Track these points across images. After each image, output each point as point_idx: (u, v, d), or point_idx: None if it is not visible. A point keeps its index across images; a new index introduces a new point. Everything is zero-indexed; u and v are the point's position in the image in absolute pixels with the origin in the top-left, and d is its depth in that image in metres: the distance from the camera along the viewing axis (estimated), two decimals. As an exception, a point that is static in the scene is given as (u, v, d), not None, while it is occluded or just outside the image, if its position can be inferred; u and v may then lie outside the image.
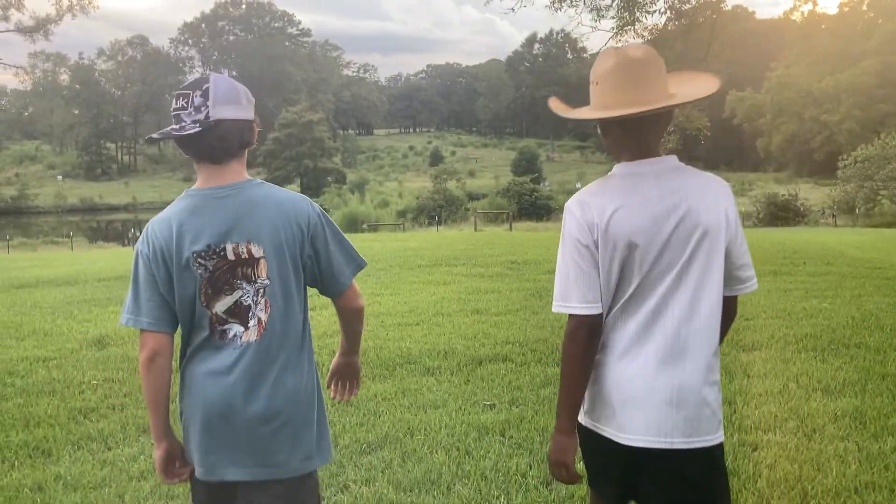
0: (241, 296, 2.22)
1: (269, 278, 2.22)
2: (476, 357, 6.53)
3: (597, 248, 2.07)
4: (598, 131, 2.22)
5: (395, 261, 13.99)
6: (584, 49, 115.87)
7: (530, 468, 4.08)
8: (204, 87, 2.18)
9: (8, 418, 5.15)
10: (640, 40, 17.23)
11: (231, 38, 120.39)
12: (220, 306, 2.22)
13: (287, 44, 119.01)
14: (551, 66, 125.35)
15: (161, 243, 2.21)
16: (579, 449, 2.23)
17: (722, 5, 15.75)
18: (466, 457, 4.27)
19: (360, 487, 3.89)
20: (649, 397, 2.07)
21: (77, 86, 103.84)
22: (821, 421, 4.71)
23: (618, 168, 2.19)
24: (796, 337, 6.98)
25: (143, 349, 2.22)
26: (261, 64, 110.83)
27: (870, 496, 3.69)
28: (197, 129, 2.14)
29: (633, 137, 2.14)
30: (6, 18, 66.74)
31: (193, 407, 2.25)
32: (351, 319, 2.46)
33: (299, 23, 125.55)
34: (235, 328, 2.23)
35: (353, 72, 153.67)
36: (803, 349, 6.56)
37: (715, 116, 37.89)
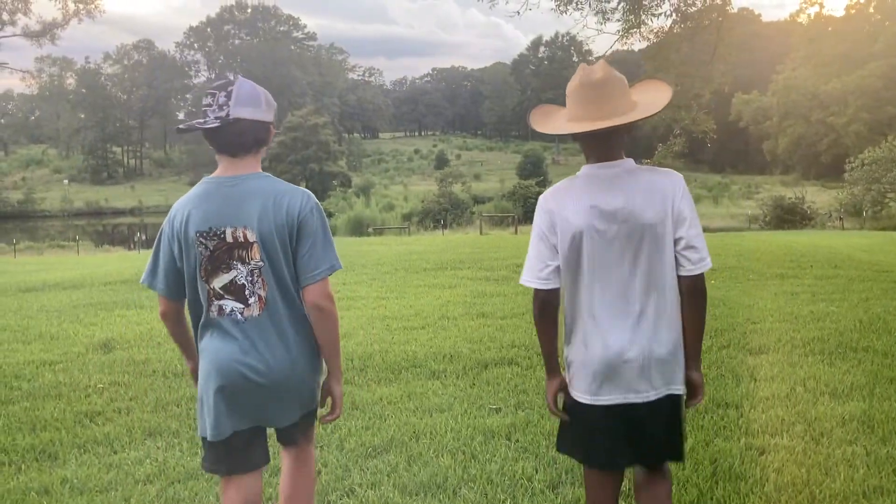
0: (236, 275, 2.52)
1: (262, 260, 2.50)
2: (482, 361, 6.52)
3: (559, 234, 2.53)
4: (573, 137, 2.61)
5: (400, 264, 13.99)
6: (589, 52, 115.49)
7: (536, 472, 4.07)
8: (228, 88, 2.54)
9: (14, 422, 5.15)
10: (645, 43, 17.22)
11: (236, 41, 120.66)
12: (217, 283, 2.53)
13: (292, 47, 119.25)
14: (556, 69, 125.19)
15: (176, 222, 2.56)
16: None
17: (728, 8, 15.69)
18: (472, 460, 4.26)
19: (366, 491, 3.88)
20: (604, 360, 2.55)
21: (83, 90, 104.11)
22: (828, 425, 4.69)
23: (584, 169, 2.60)
24: (803, 340, 6.95)
25: (159, 307, 2.68)
26: (266, 68, 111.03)
27: (878, 500, 3.67)
28: (217, 125, 2.49)
29: (596, 145, 2.55)
30: (13, 23, 67.11)
31: (205, 375, 2.57)
32: (315, 319, 2.58)
33: (304, 26, 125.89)
34: (231, 304, 2.53)
35: (359, 75, 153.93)
36: (810, 353, 6.53)
37: (721, 119, 37.72)
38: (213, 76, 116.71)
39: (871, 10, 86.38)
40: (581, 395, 2.60)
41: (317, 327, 2.60)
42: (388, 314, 8.92)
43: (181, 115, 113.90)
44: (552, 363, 2.67)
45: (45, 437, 4.82)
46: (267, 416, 2.63)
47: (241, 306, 2.52)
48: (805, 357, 6.39)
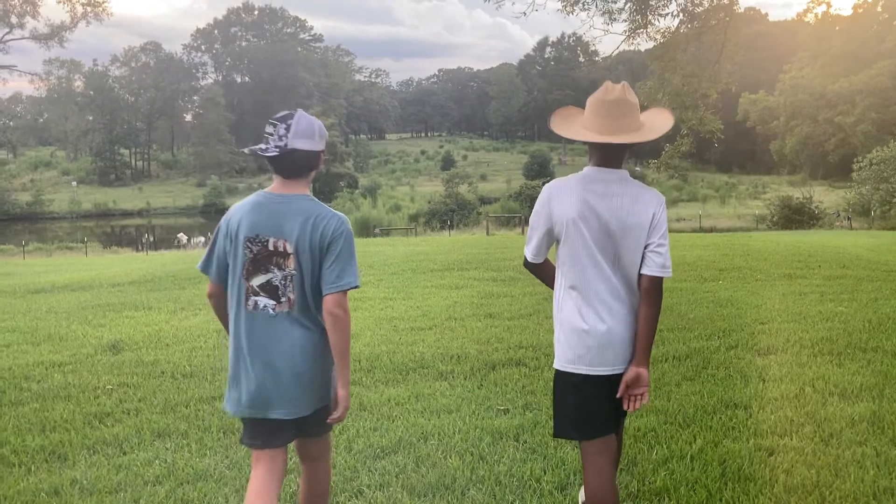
0: (272, 278, 2.92)
1: (295, 269, 2.89)
2: (489, 361, 6.52)
3: (554, 222, 2.97)
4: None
5: (407, 265, 14.00)
6: (595, 52, 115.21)
7: (545, 473, 4.07)
8: (288, 121, 2.93)
9: (24, 423, 5.18)
10: (652, 43, 17.18)
11: (244, 43, 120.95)
12: (255, 281, 2.93)
13: (299, 49, 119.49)
14: (563, 69, 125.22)
15: (232, 224, 2.98)
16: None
17: (735, 8, 15.66)
18: (480, 462, 4.26)
19: (374, 492, 3.89)
20: (603, 337, 2.95)
21: (91, 92, 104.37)
22: (838, 426, 4.67)
23: (586, 169, 3.02)
24: (812, 341, 6.93)
25: (208, 289, 3.09)
26: (273, 69, 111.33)
27: (889, 502, 3.66)
28: (276, 153, 2.89)
29: (601, 152, 2.97)
30: (21, 26, 67.44)
31: (235, 361, 2.97)
32: (329, 325, 2.89)
33: (311, 28, 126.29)
34: (265, 301, 2.92)
35: (365, 77, 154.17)
36: (819, 353, 6.51)
37: (728, 119, 37.59)
38: (220, 78, 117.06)
39: (879, 8, 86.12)
40: (571, 367, 2.97)
41: (330, 332, 2.90)
42: (396, 315, 8.93)
43: (188, 117, 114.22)
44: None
45: (55, 439, 4.84)
46: (288, 403, 2.94)
47: (274, 303, 2.91)
48: (814, 357, 6.37)
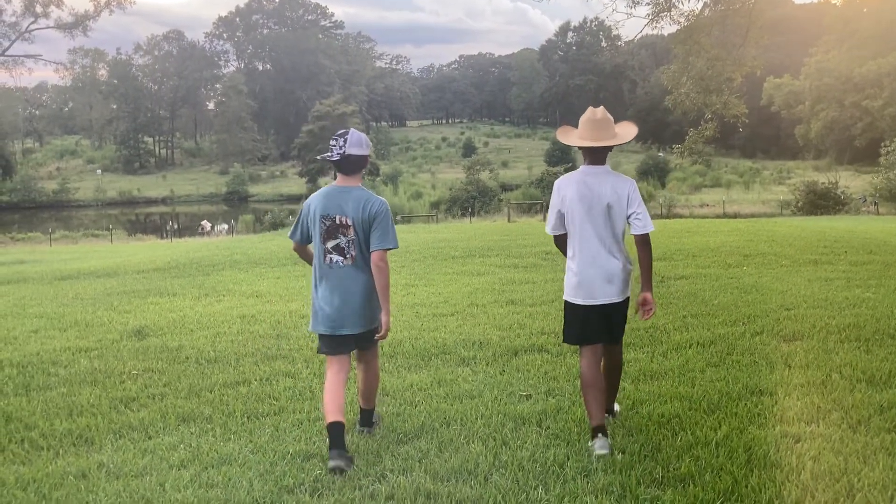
0: (340, 241, 4.31)
1: (354, 235, 4.29)
2: (511, 347, 6.51)
3: (562, 204, 4.39)
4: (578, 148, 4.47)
5: (428, 252, 14.00)
6: (618, 37, 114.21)
7: (568, 459, 4.05)
8: (345, 136, 4.32)
9: (52, 407, 5.25)
10: (675, 27, 16.98)
11: (265, 31, 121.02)
12: (330, 244, 4.32)
13: (320, 36, 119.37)
14: (585, 54, 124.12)
15: (310, 207, 4.41)
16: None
17: (760, -10, 15.43)
18: (503, 447, 4.26)
19: (398, 477, 3.89)
20: (589, 279, 4.32)
21: (115, 81, 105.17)
22: (866, 412, 4.61)
23: (581, 167, 4.45)
24: (839, 327, 6.84)
25: (293, 247, 4.60)
26: (294, 57, 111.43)
27: (918, 489, 3.60)
28: (338, 158, 4.31)
29: (591, 155, 4.40)
30: (46, 15, 68.10)
31: (321, 296, 4.34)
32: (375, 272, 4.29)
33: (332, 15, 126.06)
34: (337, 258, 4.31)
35: (386, 63, 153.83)
36: (846, 339, 6.43)
37: (752, 103, 37.09)
38: (242, 66, 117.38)
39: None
40: (576, 299, 4.36)
41: (375, 277, 4.29)
42: (417, 301, 8.94)
43: (211, 105, 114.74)
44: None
45: (82, 423, 4.90)
46: (354, 321, 4.32)
47: (342, 259, 4.31)
48: (841, 344, 6.29)
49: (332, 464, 3.98)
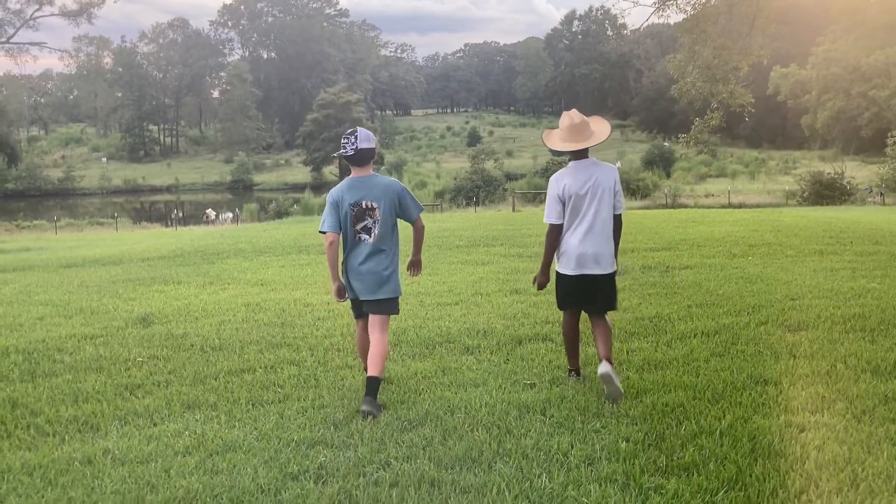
0: (367, 223, 5.05)
1: (380, 217, 5.05)
2: (515, 336, 6.52)
3: (562, 194, 5.03)
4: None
5: (433, 241, 14.00)
6: (624, 25, 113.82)
7: (572, 447, 4.06)
8: (355, 134, 5.05)
9: (58, 394, 5.27)
10: (682, 15, 16.88)
11: (270, 19, 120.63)
12: (359, 226, 5.06)
13: (325, 24, 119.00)
14: (591, 43, 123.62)
15: (336, 196, 5.09)
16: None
17: (767, -22, 15.33)
18: (507, 435, 4.27)
19: (402, 464, 3.91)
20: (582, 254, 5.03)
21: (120, 69, 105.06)
22: (870, 403, 4.61)
23: (570, 163, 5.14)
24: (844, 317, 6.83)
25: (326, 240, 5.06)
26: (299, 45, 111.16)
27: (922, 479, 3.59)
28: (351, 153, 5.03)
29: (576, 153, 5.10)
30: (51, 3, 68.02)
31: (349, 268, 5.13)
32: (416, 231, 5.30)
33: (337, 3, 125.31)
34: (364, 237, 5.06)
35: (391, 52, 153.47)
36: (851, 329, 6.42)
37: (759, 93, 36.83)
38: (246, 54, 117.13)
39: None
40: (565, 270, 5.11)
41: (417, 233, 5.30)
42: (422, 290, 8.94)
43: (215, 93, 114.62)
44: (548, 265, 5.26)
45: (88, 409, 4.92)
46: (374, 288, 5.08)
47: (368, 237, 5.06)
48: (846, 334, 6.28)
49: (364, 408, 4.66)
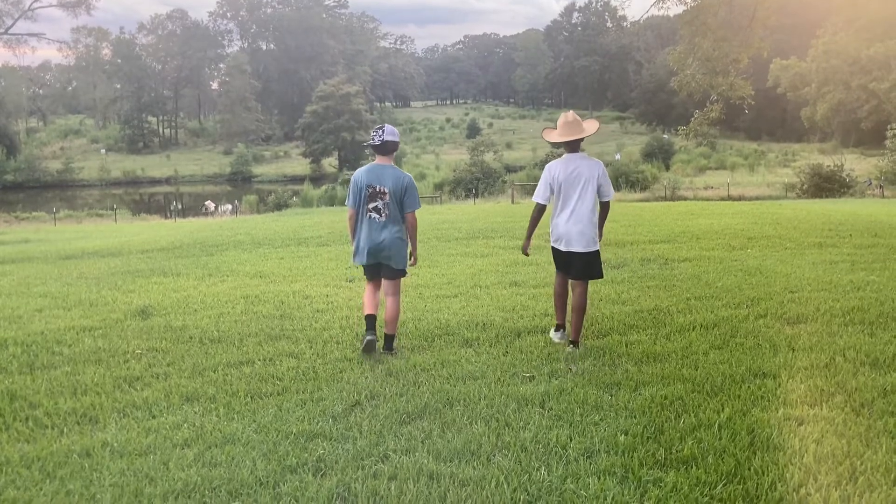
0: (378, 203, 5.90)
1: (389, 200, 5.89)
2: (514, 329, 6.51)
3: (552, 181, 6.03)
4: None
5: (432, 233, 13.98)
6: (623, 17, 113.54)
7: (570, 440, 4.06)
8: (383, 128, 5.96)
9: (57, 386, 5.27)
10: (682, 7, 16.83)
11: (269, 10, 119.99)
12: (371, 205, 5.91)
13: (324, 16, 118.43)
14: (590, 35, 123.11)
15: (356, 180, 5.99)
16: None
17: (767, -30, 15.28)
18: (506, 428, 4.27)
19: (401, 457, 3.91)
20: (566, 233, 5.99)
21: (118, 60, 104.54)
22: (869, 395, 4.61)
23: (564, 155, 6.11)
24: (843, 310, 6.83)
25: (349, 213, 6.05)
26: (298, 36, 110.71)
27: (920, 472, 3.60)
28: (378, 143, 5.95)
29: (569, 146, 6.07)
30: (49, -7, 67.69)
31: (361, 242, 5.96)
32: (409, 225, 6.01)
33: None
34: (375, 215, 5.89)
35: (390, 43, 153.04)
36: (850, 322, 6.42)
37: (758, 85, 36.71)
38: (245, 45, 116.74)
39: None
40: (554, 245, 6.07)
41: (409, 227, 5.99)
42: (421, 282, 8.93)
43: (214, 85, 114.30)
44: (529, 236, 6.38)
45: (86, 401, 4.92)
46: (385, 259, 5.94)
47: (379, 216, 5.89)
48: (845, 327, 6.29)
49: (367, 338, 5.76)
